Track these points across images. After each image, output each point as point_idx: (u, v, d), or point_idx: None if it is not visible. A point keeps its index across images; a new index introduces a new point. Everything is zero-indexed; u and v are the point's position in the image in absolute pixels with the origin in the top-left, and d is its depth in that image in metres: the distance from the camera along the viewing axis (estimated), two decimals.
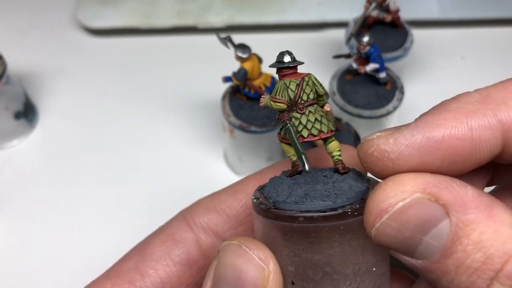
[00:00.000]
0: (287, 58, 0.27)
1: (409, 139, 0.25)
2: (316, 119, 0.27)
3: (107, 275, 0.32)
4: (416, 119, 0.26)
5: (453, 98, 0.27)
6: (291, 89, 0.27)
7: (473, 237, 0.21)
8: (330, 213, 0.24)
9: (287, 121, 0.27)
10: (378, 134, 0.27)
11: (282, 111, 0.27)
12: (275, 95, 0.27)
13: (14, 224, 0.53)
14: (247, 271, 0.25)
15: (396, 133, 0.26)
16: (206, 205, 0.33)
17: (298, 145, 0.26)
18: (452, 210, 0.22)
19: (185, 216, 0.33)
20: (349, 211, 0.24)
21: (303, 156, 0.25)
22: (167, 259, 0.32)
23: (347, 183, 0.26)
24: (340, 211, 0.24)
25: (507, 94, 0.25)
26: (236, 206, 0.33)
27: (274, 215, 0.25)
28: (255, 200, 0.27)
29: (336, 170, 0.27)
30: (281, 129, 0.28)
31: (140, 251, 0.32)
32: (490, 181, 0.30)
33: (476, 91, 0.26)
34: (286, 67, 0.27)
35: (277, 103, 0.27)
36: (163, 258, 0.32)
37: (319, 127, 0.27)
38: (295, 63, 0.27)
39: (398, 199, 0.23)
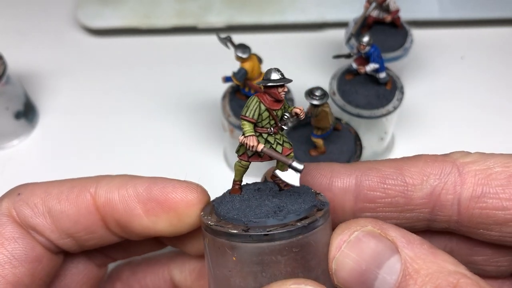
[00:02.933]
0: (275, 76, 0.27)
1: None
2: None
3: None
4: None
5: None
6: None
7: (422, 271, 0.23)
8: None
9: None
10: None
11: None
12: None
13: None
14: None
15: None
16: (33, 203, 0.30)
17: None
18: (400, 245, 0.24)
19: (10, 210, 0.29)
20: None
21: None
22: (12, 261, 0.28)
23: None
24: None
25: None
26: (64, 218, 0.29)
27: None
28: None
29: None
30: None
31: None
32: None
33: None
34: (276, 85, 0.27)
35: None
36: (8, 262, 0.28)
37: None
38: (284, 81, 0.27)
39: (354, 230, 0.25)
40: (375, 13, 0.56)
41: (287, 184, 0.27)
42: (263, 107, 0.27)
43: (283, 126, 0.28)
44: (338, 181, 0.30)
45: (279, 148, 0.27)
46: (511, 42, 0.69)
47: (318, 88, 0.44)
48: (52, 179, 0.55)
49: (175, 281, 0.36)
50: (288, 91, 0.52)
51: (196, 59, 0.68)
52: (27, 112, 0.60)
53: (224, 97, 0.52)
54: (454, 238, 0.32)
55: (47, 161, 0.59)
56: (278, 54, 0.66)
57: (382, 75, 0.50)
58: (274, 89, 0.27)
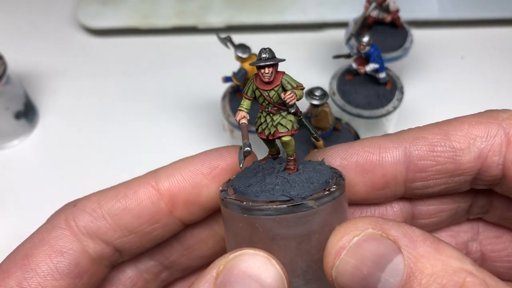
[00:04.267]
0: (261, 56, 0.27)
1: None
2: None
3: None
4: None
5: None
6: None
7: (427, 271, 0.23)
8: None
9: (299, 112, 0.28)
10: None
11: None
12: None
13: (15, 224, 0.53)
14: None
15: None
16: (91, 208, 0.30)
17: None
18: (403, 245, 0.24)
19: (68, 221, 0.30)
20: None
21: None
22: (54, 274, 0.28)
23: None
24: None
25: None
26: (126, 214, 0.30)
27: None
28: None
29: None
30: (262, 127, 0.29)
31: (22, 267, 0.28)
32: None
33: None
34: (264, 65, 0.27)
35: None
36: (50, 274, 0.28)
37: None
38: (274, 60, 0.27)
39: (353, 235, 0.24)
40: (375, 13, 0.56)
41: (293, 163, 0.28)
42: (254, 86, 0.28)
43: (289, 109, 0.28)
44: (388, 155, 0.29)
45: (267, 131, 0.28)
46: (511, 42, 0.69)
47: (318, 88, 0.44)
48: (52, 179, 0.55)
49: None
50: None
51: (196, 59, 0.68)
52: (27, 112, 0.60)
53: (224, 97, 0.52)
54: (494, 195, 0.31)
55: (47, 161, 0.59)
56: (278, 54, 0.65)
57: (382, 75, 0.50)
58: (259, 70, 0.27)
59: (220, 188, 0.29)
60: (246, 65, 0.47)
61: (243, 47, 0.47)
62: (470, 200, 0.32)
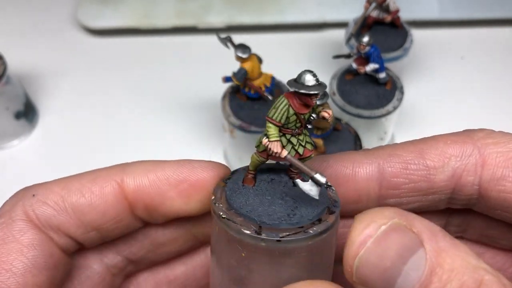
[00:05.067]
0: (310, 80, 0.25)
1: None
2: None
3: None
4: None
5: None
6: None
7: (446, 266, 0.22)
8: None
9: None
10: None
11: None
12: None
13: None
14: None
15: None
16: (54, 201, 0.28)
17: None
18: (425, 238, 0.23)
19: (27, 212, 0.28)
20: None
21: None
22: (32, 270, 0.27)
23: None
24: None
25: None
26: (91, 211, 0.29)
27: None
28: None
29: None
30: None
31: None
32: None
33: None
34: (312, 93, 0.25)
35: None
36: (28, 270, 0.26)
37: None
38: (319, 89, 0.25)
39: (380, 223, 0.23)
40: (375, 13, 0.56)
41: (298, 173, 0.27)
42: (291, 111, 0.25)
43: (307, 125, 0.27)
44: (361, 171, 0.29)
45: (300, 150, 0.27)
46: (511, 42, 0.69)
47: None
48: (53, 179, 0.55)
49: None
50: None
51: (196, 59, 0.68)
52: (27, 112, 0.60)
53: (224, 97, 0.52)
54: (472, 213, 0.31)
55: (47, 161, 0.59)
56: (278, 54, 0.66)
57: (382, 75, 0.50)
58: (306, 97, 0.25)
59: (213, 199, 0.28)
60: (246, 65, 0.47)
61: (243, 47, 0.47)
62: (444, 219, 0.32)
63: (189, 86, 0.65)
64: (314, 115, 0.27)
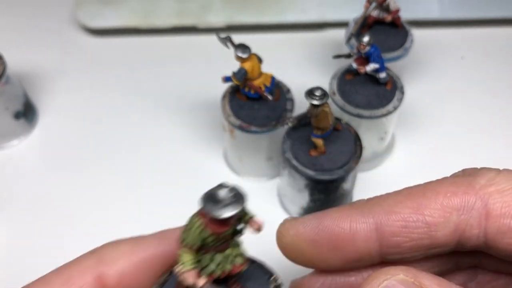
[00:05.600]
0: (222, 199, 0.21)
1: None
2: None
3: None
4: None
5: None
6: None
7: None
8: None
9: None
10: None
11: None
12: None
13: (15, 224, 0.53)
14: None
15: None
16: None
17: None
18: None
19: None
20: None
21: None
22: None
23: None
24: None
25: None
26: None
27: None
28: None
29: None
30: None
31: None
32: None
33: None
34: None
35: None
36: None
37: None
38: (240, 203, 0.21)
39: (383, 279, 0.23)
40: (375, 13, 0.56)
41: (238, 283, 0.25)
42: (207, 232, 0.22)
43: (236, 236, 0.23)
44: (359, 233, 0.29)
45: (228, 267, 0.23)
46: (511, 42, 0.69)
47: (318, 88, 0.44)
48: (52, 179, 0.55)
49: None
50: (288, 91, 0.52)
51: (196, 59, 0.68)
52: (27, 112, 0.60)
53: (224, 97, 0.52)
54: (482, 255, 0.31)
55: (47, 161, 0.58)
56: (278, 54, 0.66)
57: (382, 75, 0.50)
58: (220, 222, 0.21)
59: None
60: (246, 65, 0.47)
61: (243, 47, 0.47)
62: (453, 262, 0.31)
63: (189, 85, 0.65)
64: (241, 226, 0.23)
